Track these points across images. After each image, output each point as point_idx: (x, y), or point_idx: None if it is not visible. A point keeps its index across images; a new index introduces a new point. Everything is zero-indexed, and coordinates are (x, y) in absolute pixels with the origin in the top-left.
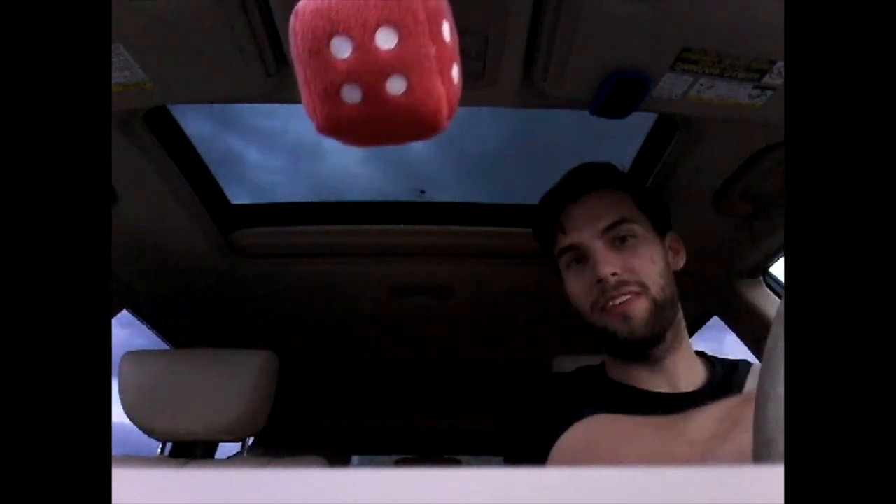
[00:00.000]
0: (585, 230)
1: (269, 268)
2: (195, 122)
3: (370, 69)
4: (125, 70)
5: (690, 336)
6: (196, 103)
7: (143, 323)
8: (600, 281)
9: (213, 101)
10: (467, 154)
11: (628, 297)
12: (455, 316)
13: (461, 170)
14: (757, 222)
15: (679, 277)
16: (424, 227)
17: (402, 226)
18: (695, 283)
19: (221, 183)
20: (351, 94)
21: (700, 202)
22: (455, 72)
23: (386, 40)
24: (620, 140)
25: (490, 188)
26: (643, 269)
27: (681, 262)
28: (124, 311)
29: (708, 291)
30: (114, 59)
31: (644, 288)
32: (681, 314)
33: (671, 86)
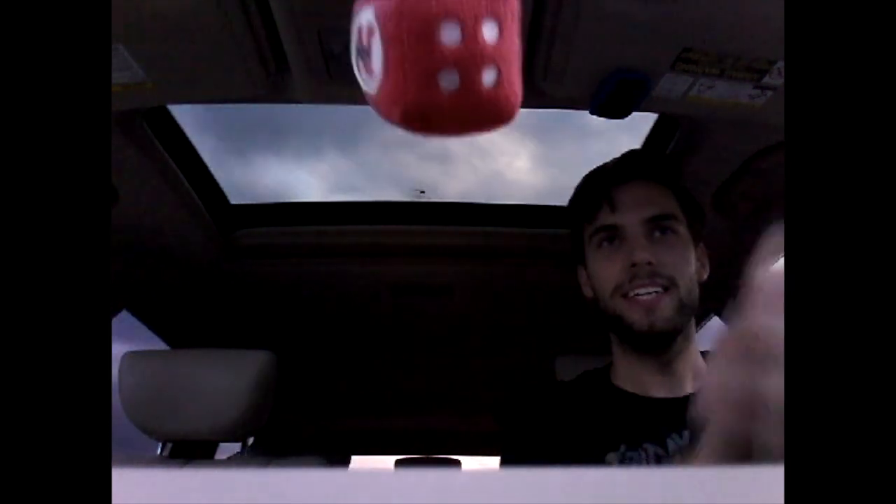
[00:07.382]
0: (633, 213)
1: (269, 268)
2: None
3: (474, 58)
4: (125, 70)
5: None
6: (196, 103)
7: (142, 323)
8: (634, 265)
9: (213, 102)
10: None
11: (657, 290)
12: (455, 316)
13: None
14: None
15: None
16: (424, 227)
17: (402, 226)
18: None
19: None
20: (449, 81)
21: (700, 202)
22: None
23: (489, 32)
24: None
25: None
26: (677, 266)
27: (704, 275)
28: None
29: (708, 291)
30: (114, 59)
31: (674, 285)
32: (693, 321)
33: (671, 86)
